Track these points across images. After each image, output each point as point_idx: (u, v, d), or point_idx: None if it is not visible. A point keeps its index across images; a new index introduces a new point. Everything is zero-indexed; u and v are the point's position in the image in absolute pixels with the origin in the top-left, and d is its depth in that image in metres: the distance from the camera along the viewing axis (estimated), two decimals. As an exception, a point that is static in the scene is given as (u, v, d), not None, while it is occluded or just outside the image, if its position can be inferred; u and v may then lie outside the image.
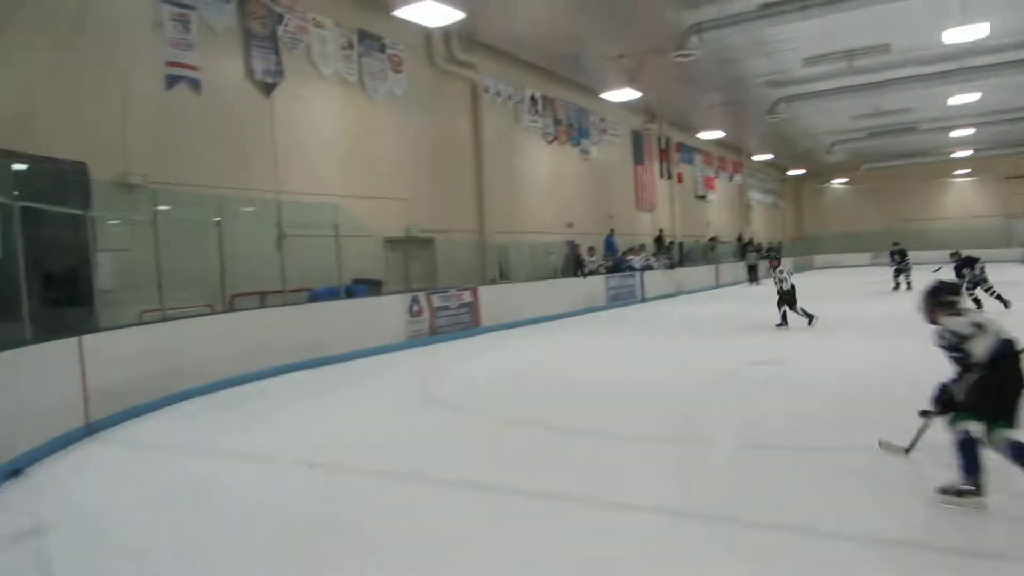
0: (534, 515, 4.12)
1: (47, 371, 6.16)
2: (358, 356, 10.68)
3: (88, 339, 6.77)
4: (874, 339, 10.63)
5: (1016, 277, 19.46)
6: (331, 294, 11.00)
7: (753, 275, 27.83)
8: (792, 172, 41.12)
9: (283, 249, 10.55)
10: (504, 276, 15.95)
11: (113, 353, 7.11)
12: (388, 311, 11.83)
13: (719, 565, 3.37)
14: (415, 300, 12.30)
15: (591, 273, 18.35)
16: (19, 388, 5.66)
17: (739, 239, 31.76)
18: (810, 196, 45.33)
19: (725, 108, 24.46)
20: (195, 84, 10.27)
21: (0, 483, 5.06)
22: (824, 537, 3.58)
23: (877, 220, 40.88)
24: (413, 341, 12.02)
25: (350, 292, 11.42)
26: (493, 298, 14.11)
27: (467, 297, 13.54)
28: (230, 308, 9.47)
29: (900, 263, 19.74)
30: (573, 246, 18.61)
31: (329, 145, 12.61)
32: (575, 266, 18.25)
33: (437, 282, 13.80)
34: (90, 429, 6.57)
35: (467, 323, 13.40)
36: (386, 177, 13.81)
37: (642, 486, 4.62)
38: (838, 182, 43.44)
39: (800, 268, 36.96)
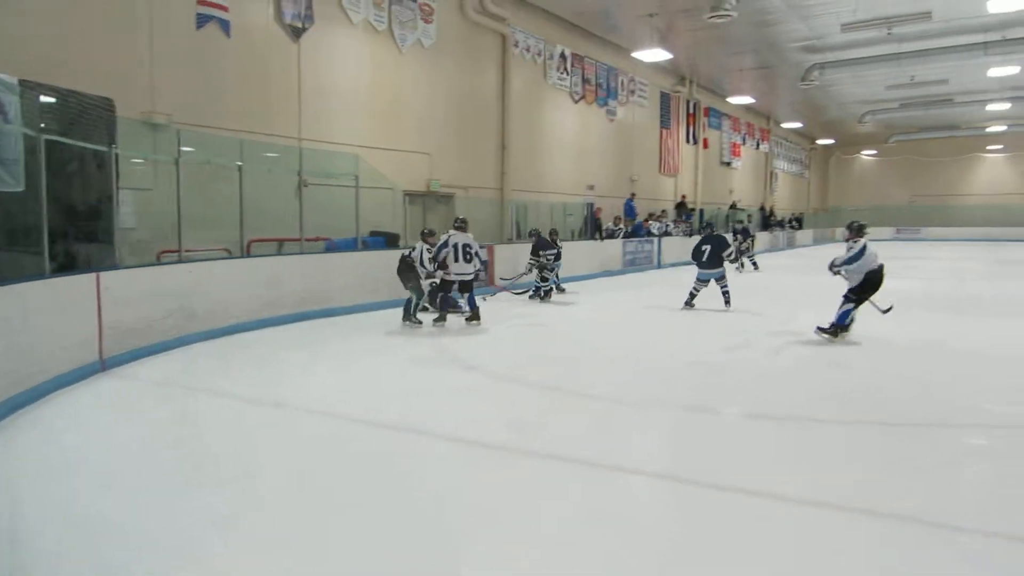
0: (533, 475, 4.22)
1: (65, 305, 6.25)
2: (371, 308, 10.73)
3: (106, 276, 6.85)
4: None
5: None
6: (348, 245, 11.02)
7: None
8: (821, 141, 40.43)
9: (302, 197, 10.56)
10: (521, 235, 15.89)
11: (130, 292, 7.19)
12: (404, 264, 11.84)
13: (705, 526, 3.44)
14: (431, 255, 12.25)
15: (609, 237, 18.25)
16: (37, 320, 5.76)
17: (762, 209, 31.31)
18: (836, 167, 44.59)
19: (757, 73, 23.97)
20: (225, 25, 10.20)
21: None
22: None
23: (902, 194, 40.47)
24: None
25: (366, 244, 11.43)
26: (508, 256, 14.08)
27: (483, 255, 13.47)
28: (247, 253, 9.54)
29: (743, 242, 19.04)
30: (592, 208, 18.49)
31: (354, 94, 12.51)
32: (592, 229, 18.15)
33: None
34: (104, 364, 6.71)
35: (482, 282, 13.38)
36: (410, 130, 13.72)
37: (640, 451, 4.71)
38: (866, 154, 42.65)
39: (822, 240, 36.58)
